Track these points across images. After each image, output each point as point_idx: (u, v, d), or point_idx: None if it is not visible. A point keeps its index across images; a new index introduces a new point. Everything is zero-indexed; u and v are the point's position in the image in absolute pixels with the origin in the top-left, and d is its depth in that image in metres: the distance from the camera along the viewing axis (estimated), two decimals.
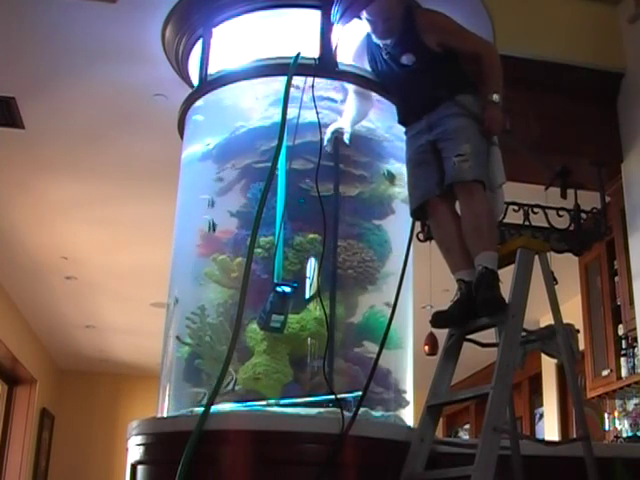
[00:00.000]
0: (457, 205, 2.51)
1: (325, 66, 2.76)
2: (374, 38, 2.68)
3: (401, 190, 2.92)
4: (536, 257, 2.34)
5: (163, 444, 2.32)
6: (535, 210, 3.64)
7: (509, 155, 2.65)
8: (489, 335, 2.37)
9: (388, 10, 2.59)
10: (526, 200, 3.62)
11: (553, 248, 3.51)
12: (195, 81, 3.16)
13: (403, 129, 2.67)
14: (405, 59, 2.59)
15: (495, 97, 2.49)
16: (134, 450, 2.41)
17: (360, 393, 2.35)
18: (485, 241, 2.34)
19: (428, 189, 2.49)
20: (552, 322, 2.35)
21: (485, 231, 2.35)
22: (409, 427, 2.49)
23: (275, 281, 2.45)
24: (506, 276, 2.31)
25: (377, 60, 2.71)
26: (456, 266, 2.42)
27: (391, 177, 2.87)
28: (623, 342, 4.49)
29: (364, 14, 2.63)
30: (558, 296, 2.35)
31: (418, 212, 2.55)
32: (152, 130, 4.11)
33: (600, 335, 4.70)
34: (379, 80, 2.76)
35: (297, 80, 2.69)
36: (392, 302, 2.53)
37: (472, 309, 2.30)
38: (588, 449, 2.19)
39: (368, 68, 2.79)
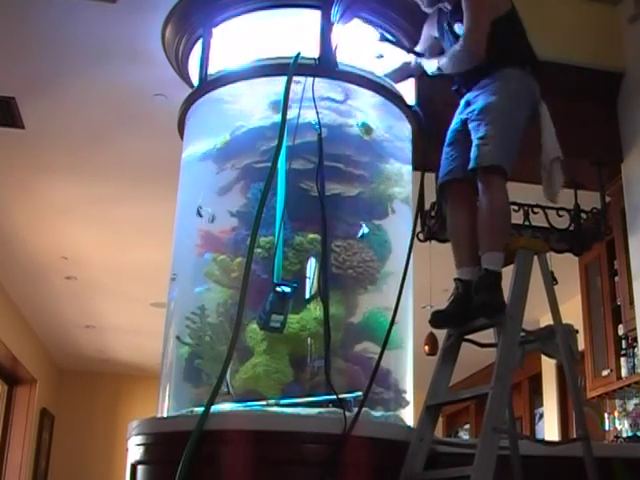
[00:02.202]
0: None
1: (325, 66, 2.76)
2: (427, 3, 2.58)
3: (401, 190, 2.92)
4: (536, 257, 2.34)
5: (163, 444, 2.32)
6: (535, 210, 3.65)
7: None
8: (488, 335, 2.37)
9: None
10: (526, 200, 3.63)
11: (553, 248, 3.51)
12: (195, 81, 3.16)
13: (403, 129, 2.67)
14: (457, 28, 2.49)
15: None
16: (134, 450, 2.41)
17: (360, 393, 2.35)
18: (494, 241, 2.28)
19: (451, 171, 2.42)
20: (552, 322, 2.35)
21: (496, 230, 2.29)
22: (409, 427, 2.49)
23: (275, 281, 2.45)
24: (506, 276, 2.31)
25: (442, 32, 2.61)
26: (460, 262, 2.39)
27: (367, 128, 2.81)
28: (623, 342, 4.50)
29: None
30: (558, 296, 2.35)
31: (441, 193, 2.48)
32: (152, 130, 4.11)
33: (600, 335, 4.71)
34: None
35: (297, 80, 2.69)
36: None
37: (468, 309, 2.29)
38: (588, 449, 2.19)
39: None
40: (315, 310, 2.53)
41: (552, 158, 2.41)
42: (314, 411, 2.28)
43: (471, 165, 2.29)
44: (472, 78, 2.42)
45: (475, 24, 2.38)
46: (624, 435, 4.60)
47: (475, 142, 2.28)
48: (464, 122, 2.40)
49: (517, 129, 2.35)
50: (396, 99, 2.89)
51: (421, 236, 3.35)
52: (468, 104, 2.41)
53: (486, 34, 2.37)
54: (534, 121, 2.43)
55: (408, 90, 3.02)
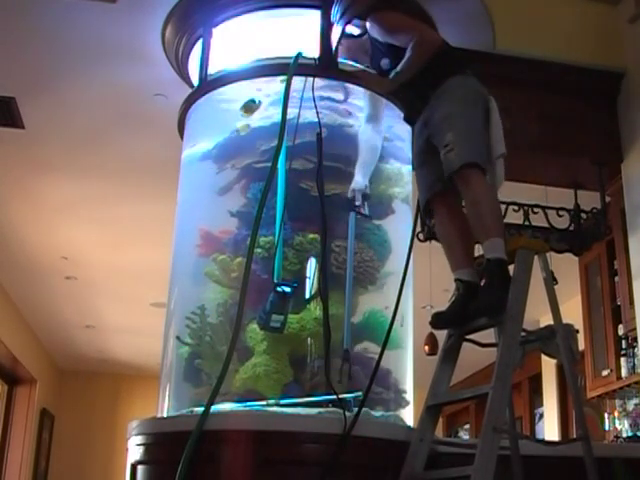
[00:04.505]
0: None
1: (325, 66, 2.76)
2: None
3: (401, 190, 2.92)
4: (536, 257, 2.34)
5: (163, 444, 2.32)
6: (535, 210, 3.65)
7: (509, 155, 2.64)
8: (489, 335, 2.37)
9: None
10: (526, 200, 3.63)
11: (553, 248, 3.51)
12: (195, 81, 3.16)
13: (403, 129, 2.67)
14: (383, 64, 2.58)
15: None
16: (134, 450, 2.41)
17: (360, 393, 2.35)
18: (488, 228, 2.28)
19: (428, 188, 2.47)
20: (552, 322, 2.35)
21: (487, 217, 2.29)
22: (409, 427, 2.49)
23: (275, 281, 2.45)
24: None
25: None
26: (456, 265, 2.40)
27: (250, 104, 2.79)
28: (623, 342, 4.50)
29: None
30: (558, 296, 2.35)
31: (426, 211, 2.54)
32: (152, 130, 4.11)
33: (600, 335, 4.70)
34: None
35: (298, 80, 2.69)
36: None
37: (469, 309, 2.28)
38: (588, 449, 2.19)
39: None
40: (315, 310, 2.54)
41: (498, 155, 2.44)
42: (314, 411, 2.28)
43: (446, 174, 2.34)
44: (420, 102, 2.48)
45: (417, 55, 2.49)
46: (624, 435, 4.60)
47: (442, 152, 2.33)
48: (426, 141, 2.45)
49: (476, 126, 2.39)
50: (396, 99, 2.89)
51: (421, 236, 3.35)
52: (426, 124, 2.46)
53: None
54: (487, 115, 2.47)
55: None
